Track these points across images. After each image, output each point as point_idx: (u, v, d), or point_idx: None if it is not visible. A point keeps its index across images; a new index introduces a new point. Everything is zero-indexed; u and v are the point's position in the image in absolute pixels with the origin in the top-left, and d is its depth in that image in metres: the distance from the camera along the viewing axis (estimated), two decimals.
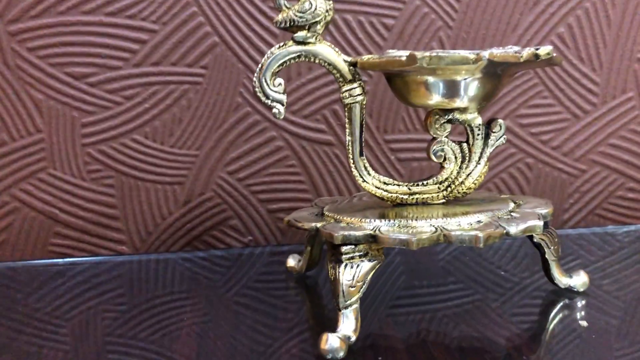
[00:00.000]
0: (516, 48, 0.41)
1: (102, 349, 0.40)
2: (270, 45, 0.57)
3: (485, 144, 0.45)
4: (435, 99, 0.43)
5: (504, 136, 0.45)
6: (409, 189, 0.45)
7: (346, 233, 0.39)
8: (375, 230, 0.40)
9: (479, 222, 0.41)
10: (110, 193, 0.57)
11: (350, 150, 0.45)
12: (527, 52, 0.39)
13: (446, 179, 0.45)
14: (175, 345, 0.40)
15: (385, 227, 0.41)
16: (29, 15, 0.54)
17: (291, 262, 0.53)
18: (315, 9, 0.41)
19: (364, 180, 0.46)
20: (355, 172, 0.46)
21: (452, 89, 0.42)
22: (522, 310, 0.46)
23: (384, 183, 0.46)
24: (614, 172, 0.65)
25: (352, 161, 0.45)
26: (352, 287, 0.39)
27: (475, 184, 0.45)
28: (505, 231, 0.40)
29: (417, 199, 0.45)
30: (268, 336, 0.42)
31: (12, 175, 0.55)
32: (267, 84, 0.41)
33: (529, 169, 0.64)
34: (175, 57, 0.56)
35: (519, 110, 0.63)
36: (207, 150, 0.58)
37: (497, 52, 0.39)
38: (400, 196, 0.45)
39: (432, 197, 0.45)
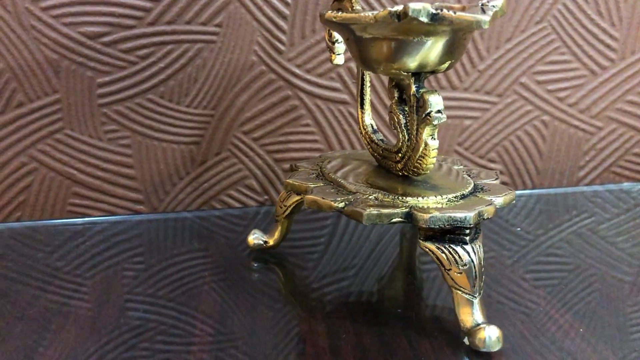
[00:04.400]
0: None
1: (124, 306, 0.41)
2: (285, 3, 0.56)
3: (418, 118, 0.38)
4: (368, 60, 0.39)
5: (437, 115, 0.37)
6: (382, 152, 0.44)
7: (292, 164, 0.48)
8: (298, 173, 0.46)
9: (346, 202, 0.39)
10: (127, 153, 0.58)
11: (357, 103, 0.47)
12: (382, 12, 0.34)
13: (399, 149, 0.41)
14: (196, 303, 0.41)
15: (306, 177, 0.44)
16: None
17: None
18: None
19: (362, 134, 0.47)
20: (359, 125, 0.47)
21: (373, 50, 0.38)
22: (536, 268, 0.46)
23: (371, 140, 0.45)
24: (631, 129, 0.65)
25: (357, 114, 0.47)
26: (280, 207, 0.47)
27: (419, 163, 0.39)
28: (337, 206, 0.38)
29: (384, 164, 0.43)
30: (286, 293, 0.43)
31: (30, 136, 0.56)
32: (329, 39, 0.47)
33: (545, 126, 0.64)
34: (189, 16, 0.55)
35: (535, 66, 0.62)
36: (223, 110, 0.58)
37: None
38: (378, 157, 0.44)
39: (392, 165, 0.42)
